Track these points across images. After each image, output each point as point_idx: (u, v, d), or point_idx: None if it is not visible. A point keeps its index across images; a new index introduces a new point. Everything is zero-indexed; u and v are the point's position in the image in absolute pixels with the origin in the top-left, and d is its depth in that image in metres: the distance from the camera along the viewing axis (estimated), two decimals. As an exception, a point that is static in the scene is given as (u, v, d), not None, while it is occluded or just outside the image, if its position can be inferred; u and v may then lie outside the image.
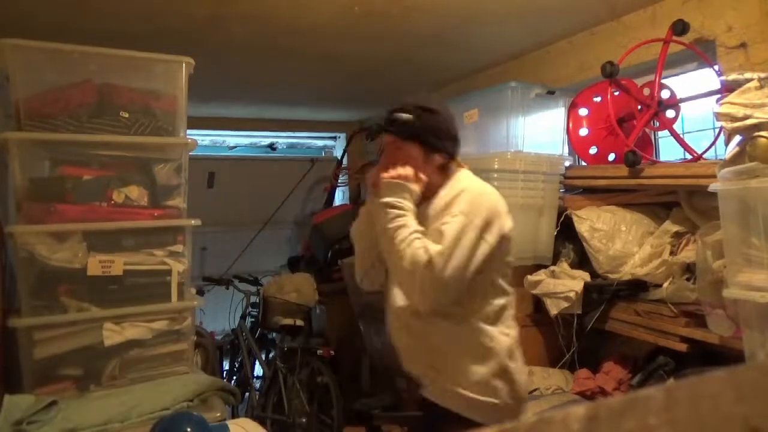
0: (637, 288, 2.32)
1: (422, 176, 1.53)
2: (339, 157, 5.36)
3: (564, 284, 2.46)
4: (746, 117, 1.66)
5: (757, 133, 1.62)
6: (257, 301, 3.68)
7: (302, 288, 3.53)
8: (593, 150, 2.82)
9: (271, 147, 5.72)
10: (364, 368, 3.83)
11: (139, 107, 2.05)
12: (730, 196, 1.73)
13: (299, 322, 3.38)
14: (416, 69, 3.67)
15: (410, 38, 3.01)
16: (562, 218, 2.65)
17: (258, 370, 3.62)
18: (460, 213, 1.43)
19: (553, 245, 2.71)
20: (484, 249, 1.42)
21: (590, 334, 2.49)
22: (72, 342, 1.88)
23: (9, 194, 1.91)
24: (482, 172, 1.98)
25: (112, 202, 1.98)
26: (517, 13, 2.68)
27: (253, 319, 3.76)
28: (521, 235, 2.39)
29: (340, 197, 5.47)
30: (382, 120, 1.63)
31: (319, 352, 3.26)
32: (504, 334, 1.51)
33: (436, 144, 1.56)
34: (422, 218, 1.53)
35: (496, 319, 1.50)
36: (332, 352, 3.32)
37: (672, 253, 2.30)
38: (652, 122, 2.58)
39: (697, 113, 2.66)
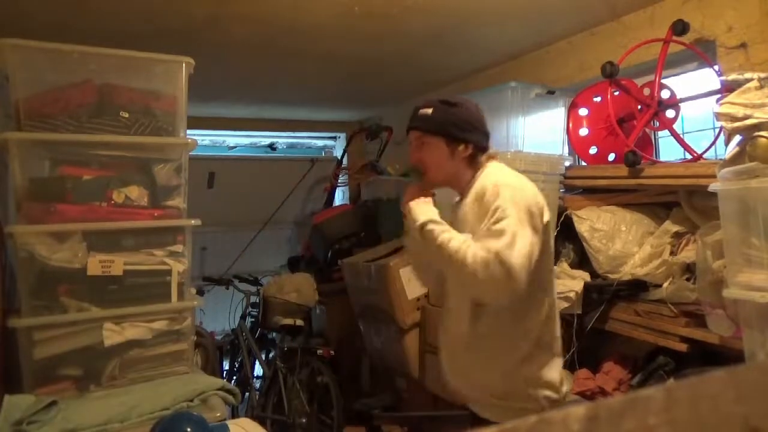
0: (637, 288, 2.32)
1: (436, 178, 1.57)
2: (339, 157, 5.36)
3: (564, 284, 2.46)
4: (746, 117, 1.66)
5: (757, 133, 1.62)
6: (257, 301, 3.68)
7: (302, 288, 3.54)
8: (593, 150, 2.82)
9: (271, 147, 5.72)
10: (364, 368, 3.83)
11: (139, 107, 2.05)
12: (730, 196, 1.73)
13: (299, 322, 3.38)
14: (416, 69, 3.67)
15: (410, 38, 3.01)
16: (562, 218, 2.65)
17: (258, 370, 3.62)
18: (506, 207, 1.40)
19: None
20: (536, 239, 1.40)
21: (590, 334, 2.49)
22: (72, 342, 1.88)
23: (9, 194, 1.91)
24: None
25: (112, 202, 1.98)
26: (517, 13, 2.68)
27: (253, 319, 3.76)
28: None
29: (340, 197, 5.47)
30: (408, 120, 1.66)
31: (319, 352, 3.26)
32: (553, 339, 1.52)
33: (459, 135, 1.55)
34: (458, 213, 1.56)
35: (547, 320, 1.51)
36: (332, 352, 3.32)
37: (672, 253, 2.30)
38: (652, 122, 2.58)
39: (697, 113, 2.66)
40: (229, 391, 1.97)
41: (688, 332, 2.08)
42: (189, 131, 2.19)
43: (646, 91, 2.54)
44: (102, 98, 2.01)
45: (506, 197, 1.41)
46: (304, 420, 3.10)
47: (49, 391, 1.80)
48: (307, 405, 3.13)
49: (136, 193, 2.02)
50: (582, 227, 2.50)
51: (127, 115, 2.01)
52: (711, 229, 1.96)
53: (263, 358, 3.64)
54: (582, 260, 2.63)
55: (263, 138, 5.64)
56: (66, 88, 1.96)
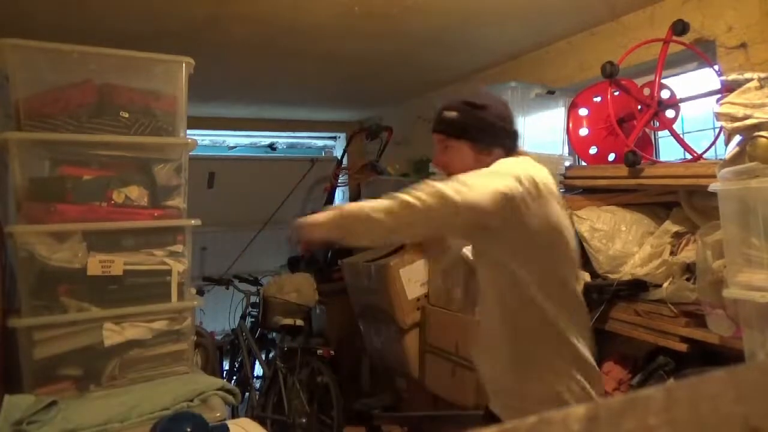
0: (637, 288, 2.32)
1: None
2: (339, 157, 5.36)
3: (564, 284, 2.46)
4: (746, 117, 1.66)
5: (757, 133, 1.62)
6: (257, 301, 3.68)
7: (302, 288, 3.53)
8: (593, 150, 2.82)
9: (271, 147, 5.72)
10: (364, 368, 3.84)
11: (139, 107, 2.05)
12: (730, 196, 1.73)
13: (299, 322, 3.38)
14: (416, 69, 3.67)
15: (410, 38, 3.01)
16: (562, 218, 2.64)
17: (258, 370, 3.62)
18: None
19: (553, 245, 2.71)
20: (511, 184, 1.27)
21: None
22: (72, 342, 1.88)
23: (9, 194, 1.91)
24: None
25: (112, 202, 1.98)
26: (517, 13, 2.68)
27: (253, 319, 3.76)
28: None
29: (340, 197, 5.47)
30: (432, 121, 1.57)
31: (319, 352, 3.26)
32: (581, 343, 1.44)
33: (485, 140, 1.47)
34: None
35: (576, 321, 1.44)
36: (332, 352, 3.31)
37: (672, 253, 2.30)
38: (652, 122, 2.58)
39: (697, 113, 2.66)
40: (229, 391, 1.97)
41: (688, 332, 2.08)
42: (189, 131, 2.19)
43: (646, 91, 2.54)
44: (102, 98, 2.01)
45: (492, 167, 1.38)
46: (304, 420, 3.10)
47: (49, 391, 1.80)
48: (307, 405, 3.13)
49: (136, 193, 2.02)
50: (582, 227, 2.49)
51: (127, 115, 2.01)
52: (711, 229, 1.96)
53: (263, 358, 3.64)
54: (582, 260, 2.63)
55: (263, 138, 5.64)
56: (66, 88, 1.96)
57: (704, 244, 1.96)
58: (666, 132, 2.63)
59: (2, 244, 2.07)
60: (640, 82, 2.62)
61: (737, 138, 1.72)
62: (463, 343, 2.83)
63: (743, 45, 2.23)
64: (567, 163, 2.83)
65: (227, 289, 3.75)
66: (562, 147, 2.88)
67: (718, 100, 1.89)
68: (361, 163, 5.01)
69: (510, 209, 1.28)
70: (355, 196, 5.05)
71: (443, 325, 2.97)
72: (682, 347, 2.10)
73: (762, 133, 1.61)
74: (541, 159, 2.68)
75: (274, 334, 3.71)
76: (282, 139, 5.74)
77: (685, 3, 2.46)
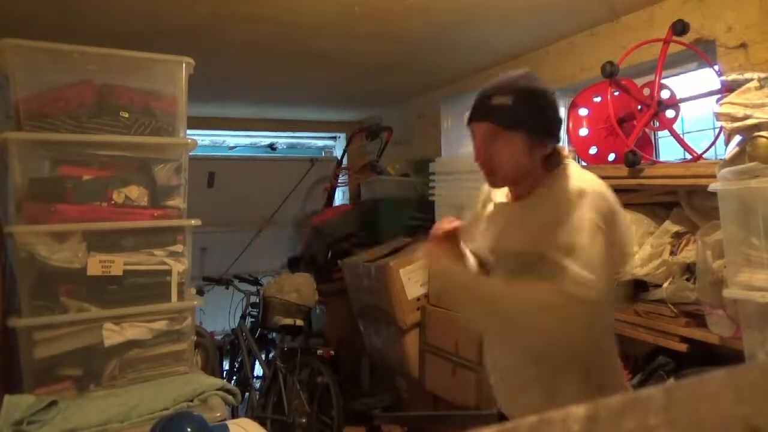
0: (637, 288, 2.32)
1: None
2: (339, 157, 5.36)
3: (564, 284, 2.46)
4: (746, 117, 1.66)
5: (757, 133, 1.62)
6: (257, 301, 3.68)
7: (302, 288, 3.54)
8: (593, 150, 2.82)
9: (271, 147, 5.72)
10: (364, 368, 3.84)
11: (139, 107, 2.05)
12: (730, 196, 1.73)
13: (299, 322, 3.38)
14: (416, 69, 3.67)
15: (410, 38, 3.01)
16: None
17: (258, 370, 3.62)
18: (590, 224, 1.17)
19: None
20: (601, 242, 1.18)
21: (590, 334, 2.48)
22: (72, 342, 1.88)
23: (9, 194, 1.91)
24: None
25: (112, 202, 1.98)
26: (517, 13, 2.68)
27: (253, 319, 3.76)
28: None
29: (340, 197, 5.48)
30: (472, 107, 1.34)
31: (319, 352, 3.26)
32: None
33: (542, 131, 1.29)
34: (512, 216, 1.34)
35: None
36: (332, 352, 3.32)
37: (672, 253, 2.30)
38: (652, 122, 2.58)
39: (697, 113, 2.66)
40: (229, 391, 1.97)
41: (688, 332, 2.08)
42: (189, 131, 2.19)
43: (646, 91, 2.54)
44: (102, 98, 2.01)
45: (592, 208, 1.19)
46: (304, 420, 3.10)
47: (49, 391, 1.80)
48: (307, 405, 3.13)
49: (136, 193, 2.02)
50: (582, 227, 2.49)
51: (127, 115, 2.01)
52: (711, 229, 1.96)
53: (263, 358, 3.64)
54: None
55: (263, 138, 5.64)
56: (66, 88, 1.96)
57: (704, 244, 1.96)
58: (666, 132, 2.62)
59: (2, 244, 2.07)
60: (640, 82, 2.62)
61: (737, 138, 1.72)
62: (463, 343, 2.83)
63: (743, 45, 2.23)
64: (567, 163, 2.82)
65: (227, 289, 3.75)
66: (562, 147, 2.87)
67: (718, 100, 1.89)
68: (361, 163, 5.01)
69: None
70: (355, 196, 5.06)
71: (443, 325, 2.97)
72: (682, 347, 2.10)
73: (762, 133, 1.61)
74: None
75: (274, 334, 3.71)
76: (282, 139, 5.74)
77: (685, 3, 2.46)
